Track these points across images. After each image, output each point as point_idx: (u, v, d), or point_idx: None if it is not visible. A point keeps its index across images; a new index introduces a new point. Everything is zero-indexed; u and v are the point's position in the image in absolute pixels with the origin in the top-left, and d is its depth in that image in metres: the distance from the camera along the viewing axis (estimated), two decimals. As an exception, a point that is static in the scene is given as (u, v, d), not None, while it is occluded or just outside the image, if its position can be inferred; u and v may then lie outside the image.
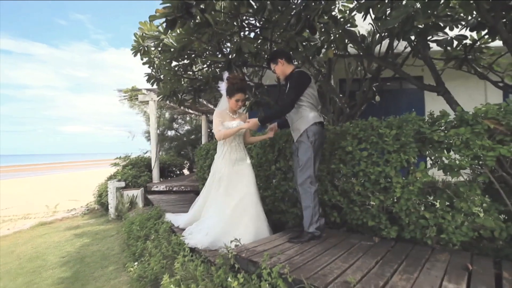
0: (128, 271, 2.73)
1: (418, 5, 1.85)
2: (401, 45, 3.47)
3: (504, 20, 2.20)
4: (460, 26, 2.57)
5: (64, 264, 3.21)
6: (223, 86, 2.61)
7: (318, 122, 2.25)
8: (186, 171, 9.72)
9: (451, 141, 1.78)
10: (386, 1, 2.07)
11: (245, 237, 2.30)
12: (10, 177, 20.73)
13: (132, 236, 3.45)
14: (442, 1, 1.98)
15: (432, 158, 1.98)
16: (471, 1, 2.06)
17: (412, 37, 2.57)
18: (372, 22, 3.07)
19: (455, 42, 2.73)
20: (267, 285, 1.51)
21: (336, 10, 3.11)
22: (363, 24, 2.89)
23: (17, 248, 3.99)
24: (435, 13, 2.09)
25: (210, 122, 10.12)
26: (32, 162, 54.26)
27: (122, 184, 5.79)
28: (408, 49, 2.93)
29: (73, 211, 6.57)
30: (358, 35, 3.20)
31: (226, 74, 2.62)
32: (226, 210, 2.45)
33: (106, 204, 5.75)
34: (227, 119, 2.57)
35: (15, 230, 5.08)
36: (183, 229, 2.84)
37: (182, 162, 9.48)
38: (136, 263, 2.73)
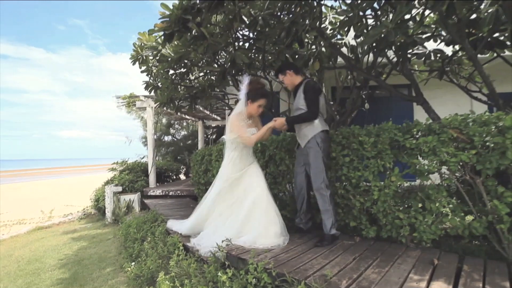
0: (125, 272, 2.85)
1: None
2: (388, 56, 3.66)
3: (471, 38, 2.42)
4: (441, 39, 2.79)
5: (63, 266, 3.31)
6: (242, 90, 2.53)
7: (325, 130, 2.36)
8: (182, 176, 9.83)
9: (421, 148, 1.97)
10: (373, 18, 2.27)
11: (267, 239, 2.22)
12: (6, 182, 20.60)
13: (129, 238, 3.57)
14: (415, 17, 2.19)
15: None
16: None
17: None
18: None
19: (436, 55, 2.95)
20: (253, 278, 1.67)
21: (327, 22, 3.32)
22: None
23: (16, 251, 4.08)
24: (409, 32, 2.31)
25: (206, 127, 10.27)
26: (28, 167, 53.76)
27: (119, 188, 5.90)
28: (395, 59, 3.10)
29: (69, 215, 6.64)
30: (348, 45, 3.40)
31: (246, 79, 2.54)
32: (240, 214, 2.41)
33: (102, 208, 5.84)
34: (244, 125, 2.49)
35: (11, 234, 5.14)
36: (184, 235, 2.79)
37: (179, 167, 9.58)
38: (133, 263, 2.86)
